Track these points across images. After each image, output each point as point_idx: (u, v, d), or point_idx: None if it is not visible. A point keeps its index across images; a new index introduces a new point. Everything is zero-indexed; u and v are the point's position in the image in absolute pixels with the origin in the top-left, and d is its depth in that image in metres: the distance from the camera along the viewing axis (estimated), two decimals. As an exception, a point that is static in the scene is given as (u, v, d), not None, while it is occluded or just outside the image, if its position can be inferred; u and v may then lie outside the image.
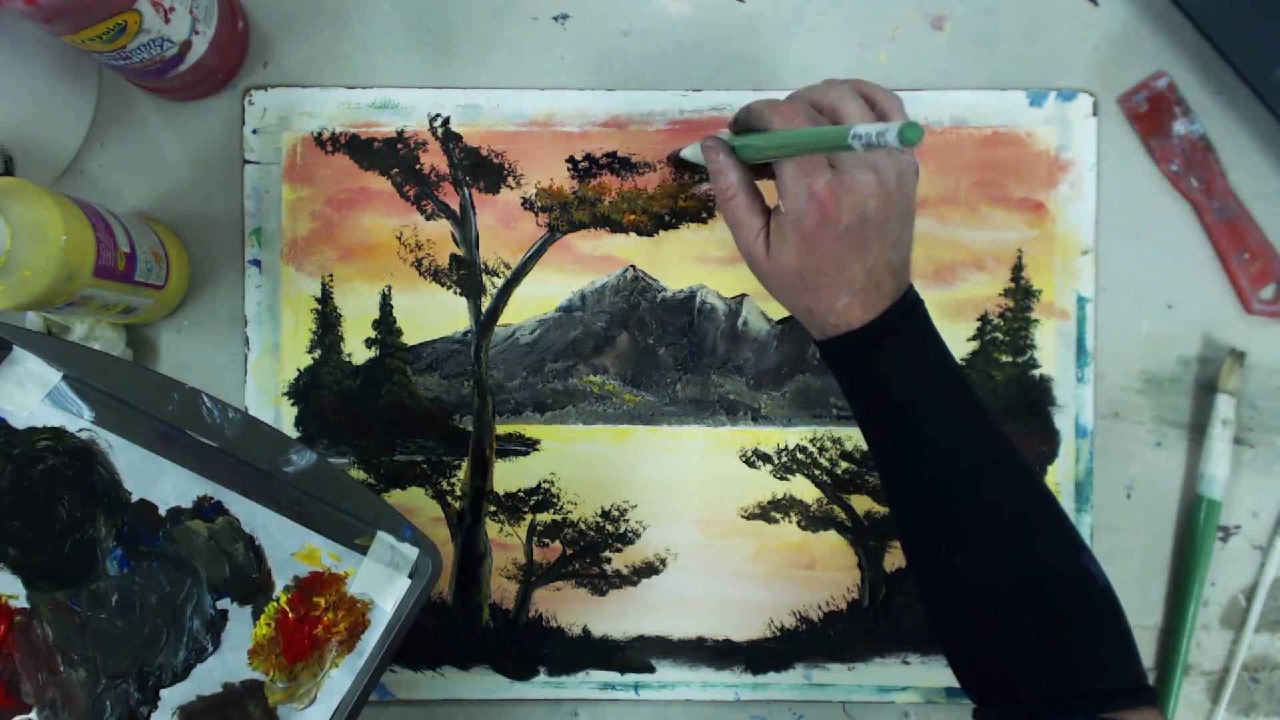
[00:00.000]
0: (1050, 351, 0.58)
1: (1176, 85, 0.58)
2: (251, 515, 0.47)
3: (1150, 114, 0.58)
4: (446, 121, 0.58)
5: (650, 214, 0.58)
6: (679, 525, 0.58)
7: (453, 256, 0.58)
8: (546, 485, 0.58)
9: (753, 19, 0.58)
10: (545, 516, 0.58)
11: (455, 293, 0.58)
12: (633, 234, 0.58)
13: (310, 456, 0.45)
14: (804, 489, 0.58)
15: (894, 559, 0.58)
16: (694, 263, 0.58)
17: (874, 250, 0.44)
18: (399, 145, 0.58)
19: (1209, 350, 0.58)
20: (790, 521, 0.58)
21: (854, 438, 0.58)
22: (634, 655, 0.58)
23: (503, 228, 0.58)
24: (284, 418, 0.58)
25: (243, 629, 0.46)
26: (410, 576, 0.47)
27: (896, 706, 0.58)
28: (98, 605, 0.46)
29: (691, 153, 0.53)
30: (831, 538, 0.58)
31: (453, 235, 0.58)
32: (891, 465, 0.46)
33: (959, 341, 0.58)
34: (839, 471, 0.58)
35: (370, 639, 0.47)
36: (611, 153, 0.58)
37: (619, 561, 0.58)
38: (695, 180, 0.58)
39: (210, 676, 0.46)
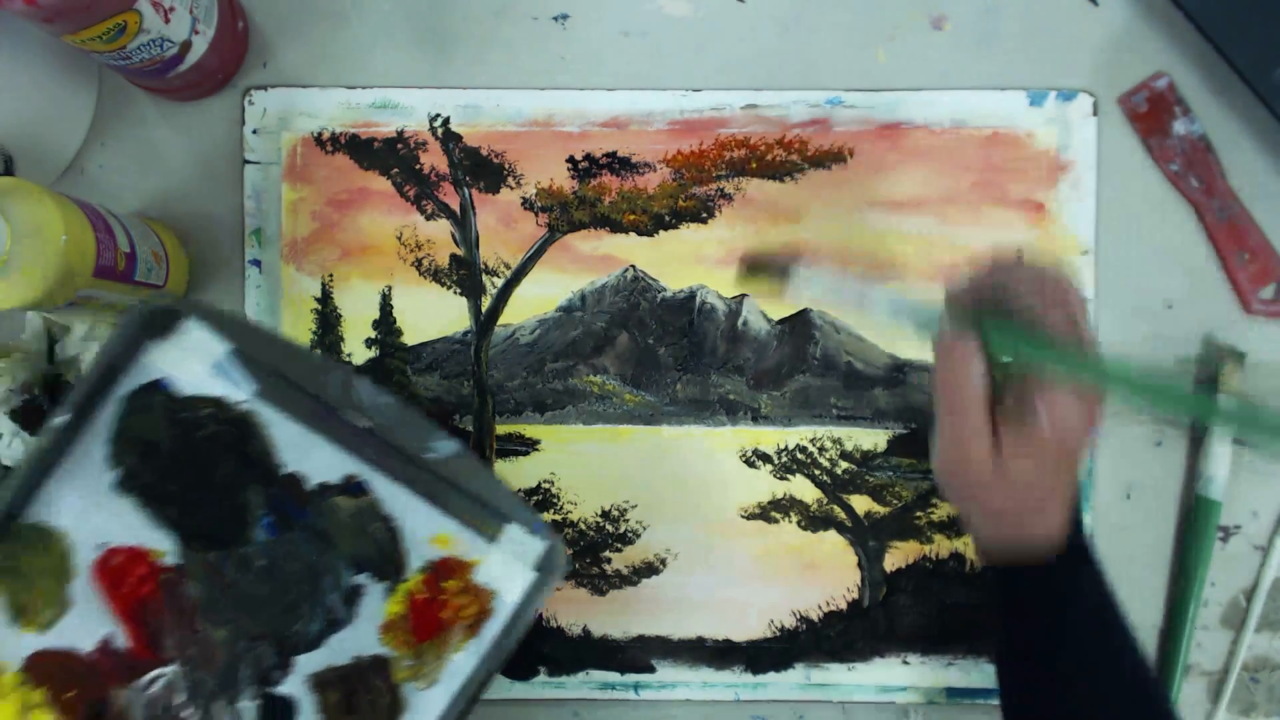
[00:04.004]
0: (1050, 351, 0.58)
1: (1176, 85, 0.58)
2: (392, 497, 0.48)
3: (1150, 114, 0.58)
4: (446, 121, 0.58)
5: (650, 214, 0.58)
6: (679, 525, 0.58)
7: (453, 256, 0.58)
8: (546, 485, 0.58)
9: (753, 19, 0.58)
10: (545, 516, 0.58)
11: (455, 293, 0.58)
12: (633, 234, 0.58)
13: (453, 445, 0.47)
14: (804, 489, 0.58)
15: (894, 559, 0.58)
16: (694, 263, 0.58)
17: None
18: (399, 145, 0.58)
19: (1209, 350, 0.58)
20: (790, 521, 0.58)
21: (854, 437, 0.58)
22: (634, 655, 0.58)
23: (503, 228, 0.58)
24: (284, 418, 0.58)
25: (376, 604, 0.48)
26: (536, 570, 0.48)
27: (896, 706, 0.58)
28: (244, 569, 0.47)
29: (890, 307, 0.43)
30: (831, 538, 0.58)
31: (453, 235, 0.58)
32: (1033, 690, 0.44)
33: (959, 341, 0.58)
34: (839, 471, 0.58)
35: (493, 627, 0.48)
36: (611, 153, 0.58)
37: (619, 561, 0.58)
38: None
39: (342, 647, 0.48)
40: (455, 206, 0.58)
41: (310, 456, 0.48)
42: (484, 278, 0.58)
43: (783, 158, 0.58)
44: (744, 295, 0.58)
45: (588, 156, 0.58)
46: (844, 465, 0.58)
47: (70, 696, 0.47)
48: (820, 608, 0.58)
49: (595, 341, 0.58)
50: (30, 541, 0.47)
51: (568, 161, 0.58)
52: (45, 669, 0.47)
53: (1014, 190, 0.58)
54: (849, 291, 0.44)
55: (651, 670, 0.58)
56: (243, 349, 0.47)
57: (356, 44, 0.58)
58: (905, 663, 0.58)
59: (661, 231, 0.58)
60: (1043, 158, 0.58)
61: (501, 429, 0.58)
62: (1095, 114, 0.58)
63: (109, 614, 0.47)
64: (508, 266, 0.58)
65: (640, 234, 0.58)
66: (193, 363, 0.47)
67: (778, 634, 0.58)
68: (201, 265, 0.58)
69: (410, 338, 0.58)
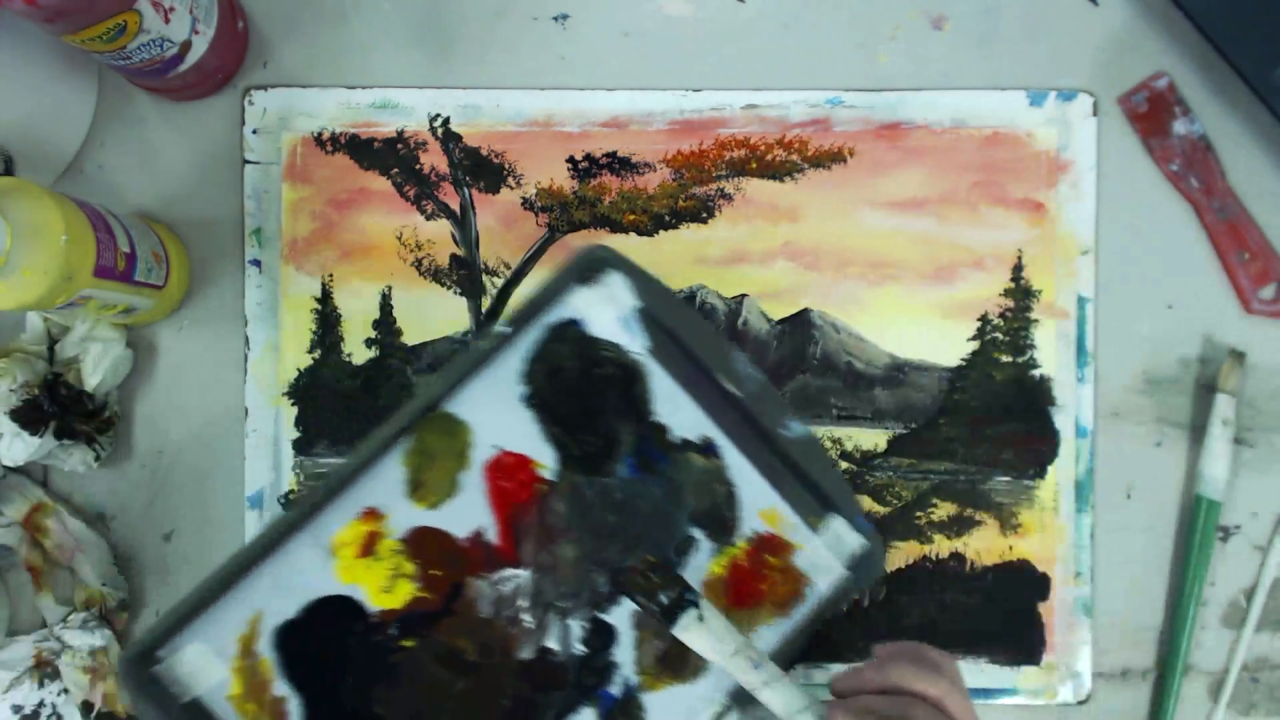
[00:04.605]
0: (1050, 351, 0.58)
1: (1176, 85, 0.58)
2: (738, 466, 0.52)
3: (1150, 114, 0.58)
4: (446, 121, 0.58)
5: (650, 214, 0.58)
6: (679, 525, 0.58)
7: (453, 256, 0.58)
8: (547, 485, 0.58)
9: (753, 19, 0.58)
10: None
11: (455, 293, 0.58)
12: (633, 234, 0.58)
13: (804, 429, 0.51)
14: (804, 489, 0.58)
15: (894, 559, 0.58)
16: (694, 263, 0.58)
17: None
18: (399, 145, 0.58)
19: (1209, 350, 0.58)
20: (790, 521, 0.58)
21: (854, 438, 0.58)
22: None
23: (503, 228, 0.58)
24: (284, 418, 0.58)
25: (702, 560, 0.52)
26: (849, 569, 0.52)
27: (896, 706, 0.58)
28: (603, 497, 0.52)
29: (781, 706, 0.44)
30: (831, 538, 0.58)
31: (453, 235, 0.58)
32: None
33: (959, 342, 0.58)
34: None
35: (800, 611, 0.52)
36: (611, 153, 0.58)
37: (619, 561, 0.58)
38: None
39: None
40: (455, 206, 0.58)
41: (678, 412, 0.52)
42: (484, 278, 0.58)
43: (783, 158, 0.58)
44: (744, 295, 0.58)
45: (588, 156, 0.58)
46: (844, 465, 0.58)
47: (436, 574, 0.51)
48: (820, 608, 0.58)
49: (595, 341, 0.58)
50: (443, 427, 0.51)
51: (568, 161, 0.58)
52: (422, 543, 0.51)
53: (1014, 190, 0.58)
54: (742, 675, 0.44)
55: (652, 670, 0.58)
56: (649, 306, 0.52)
57: (356, 44, 0.58)
58: (905, 663, 0.58)
59: (661, 231, 0.58)
60: (1043, 158, 0.58)
61: (501, 429, 0.58)
62: (1095, 114, 0.58)
63: (487, 508, 0.51)
64: (508, 266, 0.58)
65: (640, 234, 0.58)
66: (606, 310, 0.52)
67: (778, 634, 0.58)
68: (201, 265, 0.58)
69: (410, 338, 0.58)
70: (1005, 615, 0.57)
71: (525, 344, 0.52)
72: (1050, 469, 0.58)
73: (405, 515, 0.51)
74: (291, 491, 0.57)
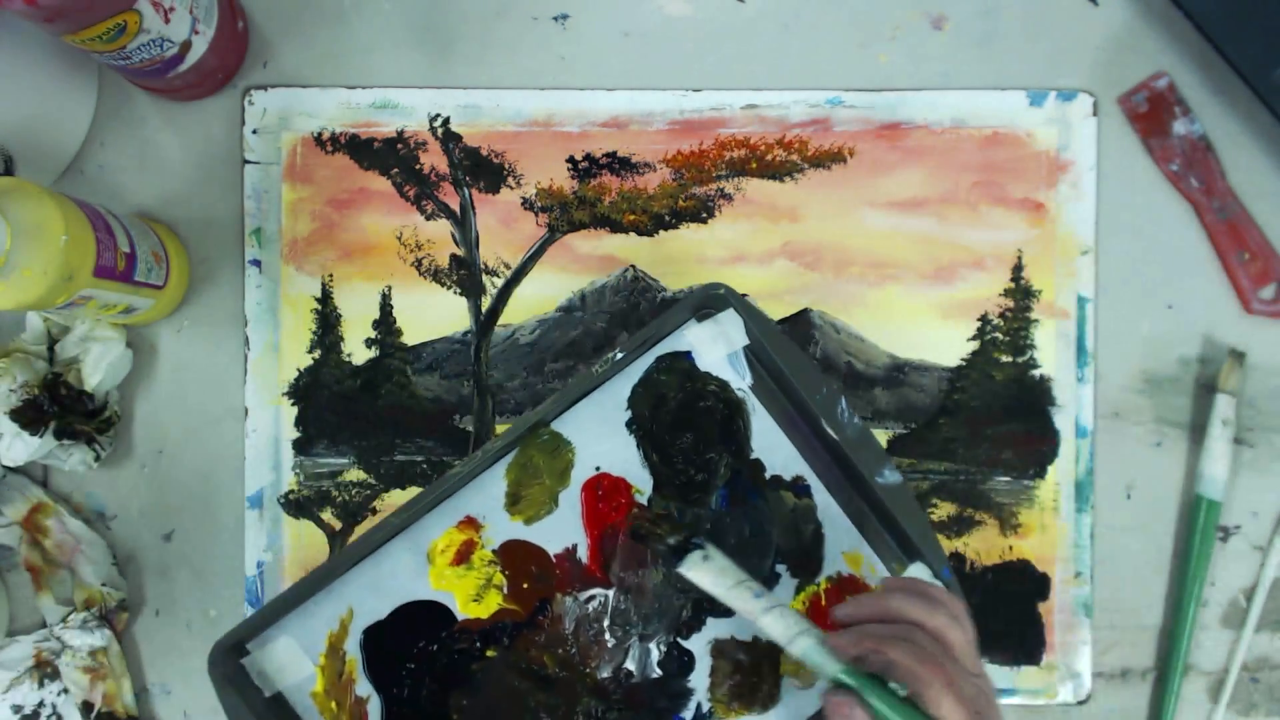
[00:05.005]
0: (1050, 351, 0.58)
1: (1176, 85, 0.58)
2: (826, 506, 0.54)
3: (1150, 114, 0.58)
4: (446, 121, 0.58)
5: (650, 214, 0.58)
6: (679, 525, 0.58)
7: (453, 256, 0.58)
8: (547, 485, 0.58)
9: (753, 19, 0.58)
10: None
11: (455, 293, 0.58)
12: (633, 234, 0.58)
13: (898, 476, 0.51)
14: (804, 489, 0.58)
15: (894, 559, 0.58)
16: (694, 263, 0.58)
17: None
18: (399, 145, 0.58)
19: (1209, 350, 0.58)
20: (791, 521, 0.58)
21: (854, 438, 0.58)
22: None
23: (503, 228, 0.58)
24: (284, 418, 0.58)
25: (785, 596, 0.53)
26: None
27: (896, 706, 0.58)
28: (694, 525, 0.53)
29: (798, 651, 0.43)
30: (832, 538, 0.58)
31: (453, 235, 0.58)
32: None
33: (959, 342, 0.58)
34: (839, 471, 0.58)
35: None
36: (611, 153, 0.58)
37: (619, 561, 0.58)
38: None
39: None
40: (455, 206, 0.58)
41: (775, 451, 0.54)
42: (484, 278, 0.58)
43: (783, 158, 0.58)
44: (743, 296, 0.58)
45: (588, 156, 0.58)
46: (844, 465, 0.58)
47: (525, 588, 0.53)
48: (820, 608, 0.58)
49: (595, 342, 0.58)
50: (549, 445, 0.53)
51: (568, 161, 0.58)
52: (515, 556, 0.53)
53: (1014, 190, 0.58)
54: (743, 604, 0.45)
55: (652, 670, 0.58)
56: (758, 345, 0.52)
57: (356, 44, 0.58)
58: (905, 663, 0.58)
59: (661, 231, 0.58)
60: (1042, 158, 0.58)
61: (501, 429, 0.58)
62: (1095, 114, 0.58)
63: (580, 527, 0.53)
64: (508, 266, 0.58)
65: (640, 234, 0.58)
66: (716, 346, 0.54)
67: (778, 634, 0.58)
68: (201, 265, 0.58)
69: (410, 338, 0.58)
70: (1005, 615, 0.57)
71: (635, 371, 0.54)
72: (1050, 469, 0.58)
73: (503, 527, 0.53)
74: (291, 491, 0.57)
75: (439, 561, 0.52)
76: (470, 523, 0.53)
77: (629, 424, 0.54)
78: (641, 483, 0.53)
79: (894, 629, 0.42)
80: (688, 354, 0.54)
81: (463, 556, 0.52)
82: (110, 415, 0.56)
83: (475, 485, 0.53)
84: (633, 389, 0.54)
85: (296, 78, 0.58)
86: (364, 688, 0.52)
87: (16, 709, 0.55)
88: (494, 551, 0.53)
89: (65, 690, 0.55)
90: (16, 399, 0.53)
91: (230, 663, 0.49)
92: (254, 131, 0.58)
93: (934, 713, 0.40)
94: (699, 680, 0.53)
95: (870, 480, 0.51)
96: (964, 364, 0.58)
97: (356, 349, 0.58)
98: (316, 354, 0.58)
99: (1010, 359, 0.58)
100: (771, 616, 0.44)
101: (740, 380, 0.54)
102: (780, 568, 0.53)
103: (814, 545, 0.54)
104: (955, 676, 0.40)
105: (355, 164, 0.58)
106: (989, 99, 0.58)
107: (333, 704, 0.51)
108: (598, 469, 0.53)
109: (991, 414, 0.58)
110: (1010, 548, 0.58)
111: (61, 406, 0.54)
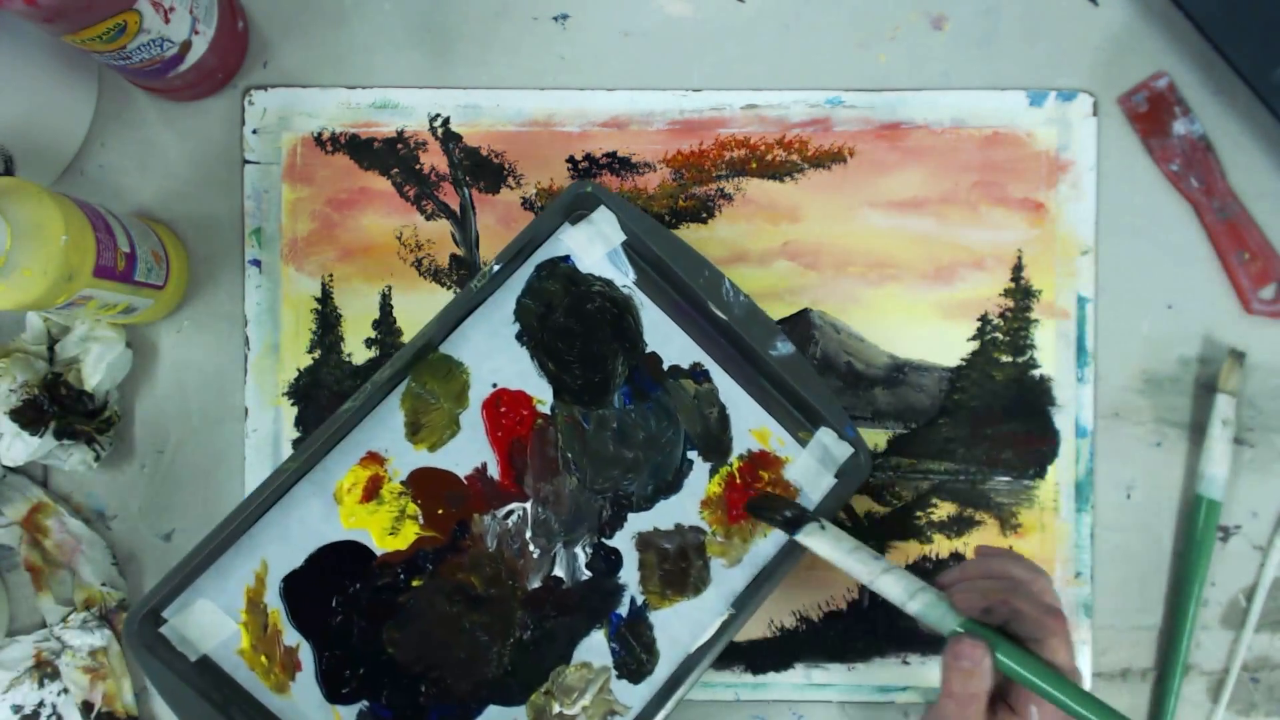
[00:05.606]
0: (1050, 351, 0.58)
1: (1176, 85, 0.58)
2: (727, 388, 0.54)
3: (1150, 114, 0.58)
4: (446, 121, 0.58)
5: (650, 214, 0.58)
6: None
7: (453, 256, 0.58)
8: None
9: (753, 19, 0.58)
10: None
11: (455, 293, 0.58)
12: (633, 234, 0.58)
13: (790, 347, 0.52)
14: (804, 489, 0.58)
15: (894, 559, 0.58)
16: (694, 263, 0.58)
17: None
18: (399, 145, 0.58)
19: (1209, 350, 0.58)
20: (790, 521, 0.58)
21: (854, 438, 0.58)
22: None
23: (503, 228, 0.58)
24: (284, 418, 0.58)
25: (700, 481, 0.54)
26: (837, 477, 0.53)
27: (896, 706, 0.58)
28: (600, 428, 0.54)
29: (917, 608, 0.45)
30: (831, 538, 0.58)
31: (453, 235, 0.58)
32: None
33: (959, 342, 0.58)
34: (839, 471, 0.58)
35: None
36: (611, 153, 0.58)
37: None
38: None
39: (667, 514, 0.54)
40: (455, 206, 0.58)
41: (669, 342, 0.54)
42: (484, 278, 0.58)
43: (783, 158, 0.58)
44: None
45: (588, 156, 0.58)
46: (844, 465, 0.58)
47: (440, 513, 0.53)
48: (820, 608, 0.58)
49: (595, 341, 0.58)
50: (440, 369, 0.53)
51: (568, 161, 0.58)
52: (425, 484, 0.53)
53: (1014, 190, 0.58)
54: (860, 566, 0.46)
55: (651, 670, 0.58)
56: (637, 238, 0.52)
57: (356, 44, 0.58)
58: (905, 663, 0.58)
59: (661, 231, 0.58)
60: (1042, 158, 0.58)
61: (501, 429, 0.58)
62: (1095, 114, 0.58)
63: (488, 445, 0.53)
64: (508, 266, 0.58)
65: (640, 234, 0.58)
66: (594, 246, 0.53)
67: (777, 634, 0.58)
68: (201, 265, 0.58)
69: (410, 337, 0.58)
70: (1005, 615, 0.57)
71: (516, 283, 0.54)
72: (1050, 469, 0.58)
73: (408, 458, 0.53)
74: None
75: (347, 501, 0.52)
76: (373, 458, 0.53)
77: (519, 337, 0.54)
78: (541, 392, 0.54)
79: (1002, 585, 0.45)
80: (567, 258, 0.54)
81: (371, 492, 0.52)
82: (110, 415, 0.56)
83: (373, 420, 0.53)
84: (518, 301, 0.54)
85: (296, 78, 0.58)
86: (292, 637, 0.51)
87: (16, 709, 0.55)
88: (402, 483, 0.53)
89: (65, 690, 0.55)
90: (16, 399, 0.53)
91: (148, 632, 0.49)
92: (254, 131, 0.58)
93: (1054, 659, 0.42)
94: (629, 575, 0.53)
95: (764, 355, 0.51)
96: (964, 364, 0.58)
97: (357, 349, 0.58)
98: (316, 354, 0.58)
99: (1010, 359, 0.58)
100: (890, 577, 0.45)
101: (624, 277, 0.54)
102: (692, 454, 0.54)
103: (721, 428, 0.54)
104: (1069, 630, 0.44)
105: (355, 164, 0.58)
106: (989, 99, 0.58)
107: (262, 658, 0.51)
108: (495, 386, 0.53)
109: (991, 414, 0.58)
110: (1010, 548, 0.58)
111: (61, 406, 0.54)
